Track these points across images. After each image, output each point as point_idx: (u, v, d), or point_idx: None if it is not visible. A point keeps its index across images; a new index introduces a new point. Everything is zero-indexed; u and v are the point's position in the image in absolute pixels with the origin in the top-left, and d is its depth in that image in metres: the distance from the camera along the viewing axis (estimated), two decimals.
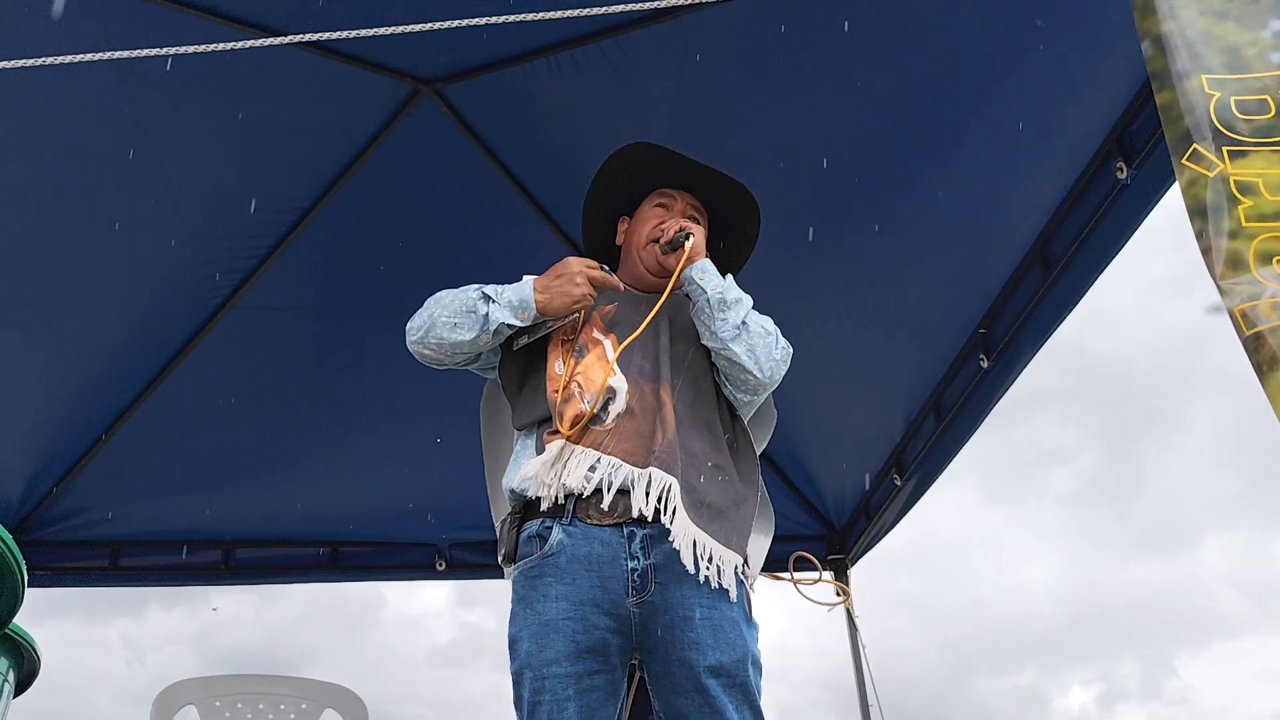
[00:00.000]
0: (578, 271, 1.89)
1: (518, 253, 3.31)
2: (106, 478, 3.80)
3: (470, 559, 4.31)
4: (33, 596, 3.98)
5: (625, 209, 2.20)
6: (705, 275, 1.92)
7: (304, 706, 2.76)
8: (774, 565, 4.51)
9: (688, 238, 1.94)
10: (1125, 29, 1.75)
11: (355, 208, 3.16)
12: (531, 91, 2.81)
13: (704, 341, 1.94)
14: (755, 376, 1.90)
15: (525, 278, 1.95)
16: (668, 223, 2.03)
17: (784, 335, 1.98)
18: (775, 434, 3.96)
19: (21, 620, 4.23)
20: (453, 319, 1.91)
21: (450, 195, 3.16)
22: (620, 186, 2.17)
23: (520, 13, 2.50)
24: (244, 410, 3.69)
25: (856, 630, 4.30)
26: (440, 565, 4.26)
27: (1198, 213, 1.24)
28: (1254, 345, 1.18)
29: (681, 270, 1.92)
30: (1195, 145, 1.26)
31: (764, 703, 1.74)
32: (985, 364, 3.12)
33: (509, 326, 1.90)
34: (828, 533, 4.44)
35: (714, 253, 2.17)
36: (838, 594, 4.46)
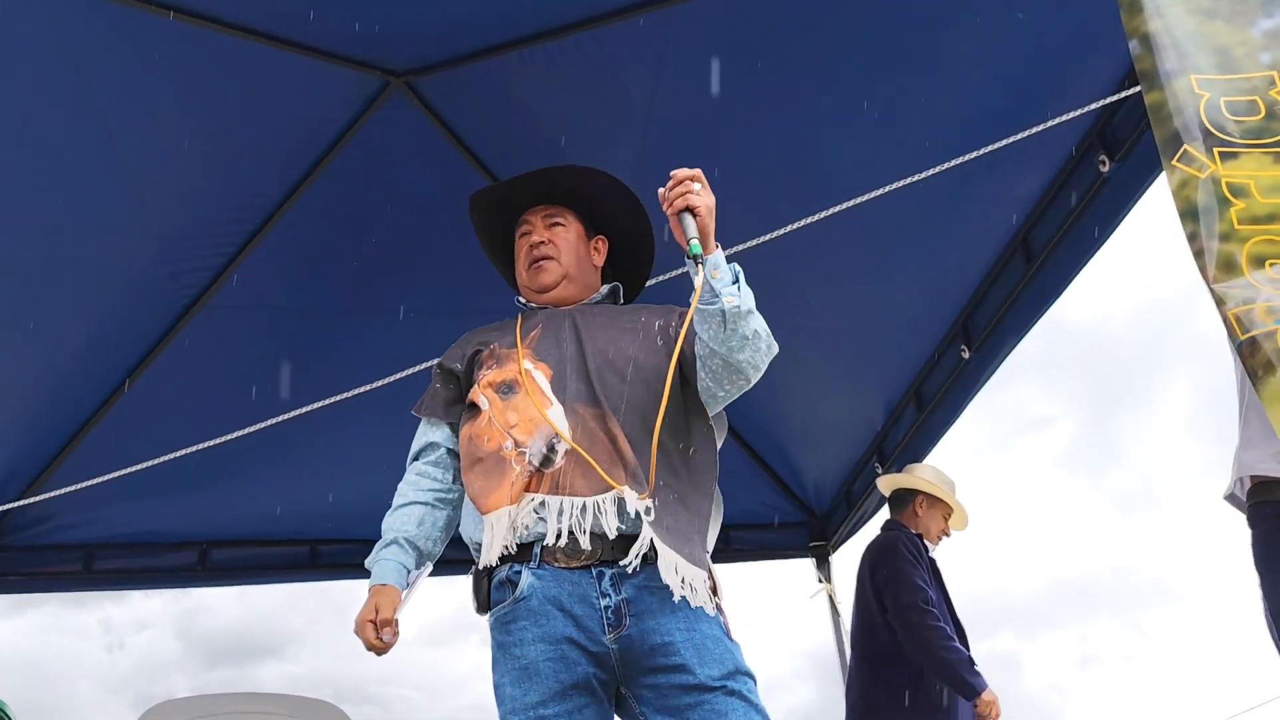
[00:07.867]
0: (361, 623, 1.79)
1: None
2: (78, 480, 3.72)
3: (450, 554, 4.22)
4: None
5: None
6: (718, 272, 1.71)
7: None
8: (754, 554, 4.53)
9: (691, 242, 1.68)
10: (1108, 22, 1.72)
11: (326, 203, 3.10)
12: (504, 83, 2.76)
13: (703, 347, 1.80)
14: (749, 381, 1.83)
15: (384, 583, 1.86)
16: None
17: (766, 323, 1.83)
18: (757, 421, 3.97)
19: None
20: None
21: (422, 189, 3.11)
22: (496, 235, 2.15)
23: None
24: (218, 410, 3.60)
25: (839, 616, 4.31)
26: None
27: (1189, 215, 1.22)
28: (1249, 350, 1.16)
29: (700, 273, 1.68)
30: (1185, 146, 1.23)
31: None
32: (966, 354, 3.12)
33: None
34: (808, 519, 4.44)
35: (615, 243, 2.08)
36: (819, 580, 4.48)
